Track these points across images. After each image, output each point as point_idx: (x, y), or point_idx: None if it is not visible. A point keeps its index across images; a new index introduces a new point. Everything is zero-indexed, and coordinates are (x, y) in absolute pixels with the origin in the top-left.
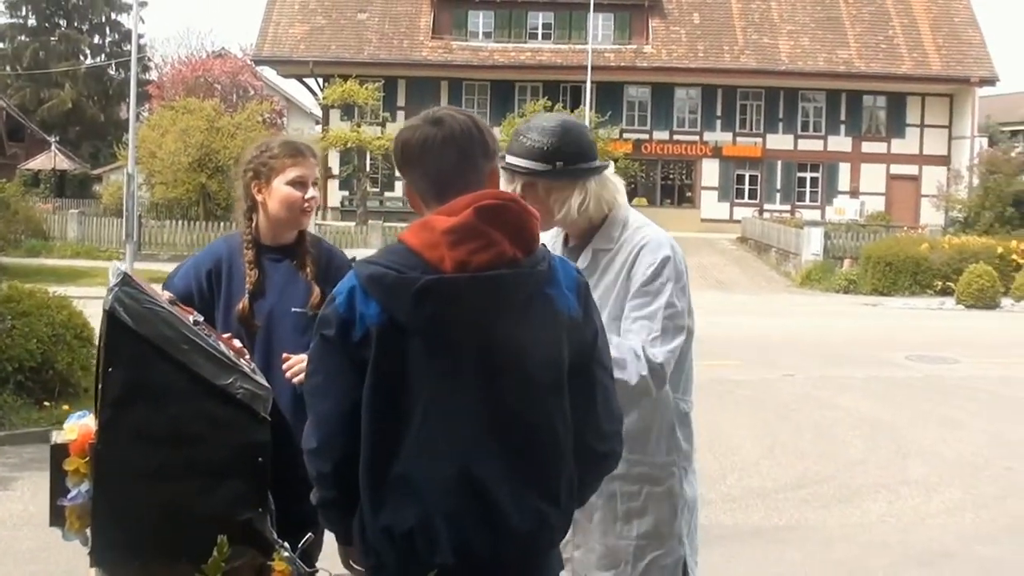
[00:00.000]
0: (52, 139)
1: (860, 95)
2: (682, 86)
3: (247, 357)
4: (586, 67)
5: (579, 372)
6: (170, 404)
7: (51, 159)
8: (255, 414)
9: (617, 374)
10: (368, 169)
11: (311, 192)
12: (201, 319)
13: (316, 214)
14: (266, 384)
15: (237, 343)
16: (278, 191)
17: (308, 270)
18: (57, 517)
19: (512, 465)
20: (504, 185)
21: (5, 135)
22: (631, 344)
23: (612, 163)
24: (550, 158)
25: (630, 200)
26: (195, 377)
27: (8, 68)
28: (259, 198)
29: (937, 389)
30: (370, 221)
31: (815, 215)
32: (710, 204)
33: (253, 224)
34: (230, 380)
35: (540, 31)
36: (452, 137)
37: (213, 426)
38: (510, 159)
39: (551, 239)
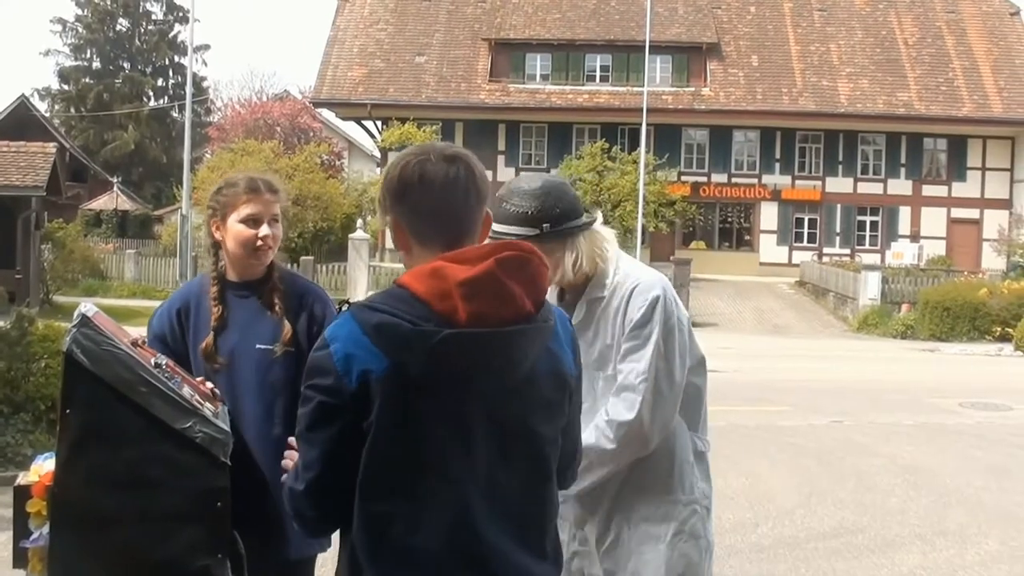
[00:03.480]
0: (115, 180)
1: (920, 138)
2: (740, 128)
3: (218, 401)
4: (644, 109)
5: (570, 434)
6: (127, 447)
7: (113, 200)
8: (214, 459)
9: (596, 459)
10: None
11: (264, 230)
12: (163, 361)
13: (376, 255)
14: (227, 428)
15: (209, 385)
16: (232, 228)
17: (276, 307)
18: (20, 559)
19: (519, 536)
20: None
21: (68, 176)
22: (595, 423)
23: (598, 215)
24: (536, 222)
25: (688, 244)
26: (152, 420)
27: (72, 110)
28: (217, 236)
29: (987, 437)
30: None
31: (875, 259)
32: (769, 248)
33: (220, 261)
34: (188, 424)
35: (598, 73)
36: (473, 179)
37: (171, 471)
38: (496, 227)
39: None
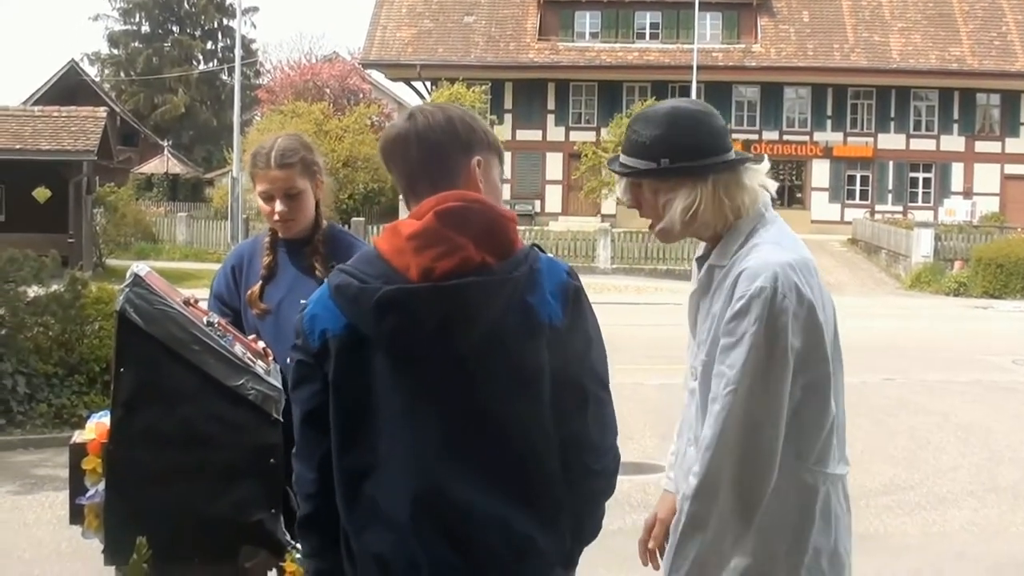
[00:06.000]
0: (165, 143)
1: (973, 93)
2: (792, 85)
3: (270, 358)
4: (694, 67)
5: (567, 385)
6: (181, 405)
7: (164, 163)
8: (267, 415)
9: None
10: None
11: (278, 206)
12: (215, 320)
13: None
14: (279, 386)
15: (261, 344)
16: (257, 198)
17: (317, 270)
18: (76, 515)
19: (491, 489)
20: (618, 189)
21: (119, 140)
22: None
23: (763, 160)
24: (654, 154)
25: None
26: (206, 378)
27: (122, 74)
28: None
29: None
30: None
31: (928, 216)
32: (820, 205)
33: None
34: (241, 381)
35: (648, 31)
36: (418, 131)
37: (224, 427)
38: (622, 157)
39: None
